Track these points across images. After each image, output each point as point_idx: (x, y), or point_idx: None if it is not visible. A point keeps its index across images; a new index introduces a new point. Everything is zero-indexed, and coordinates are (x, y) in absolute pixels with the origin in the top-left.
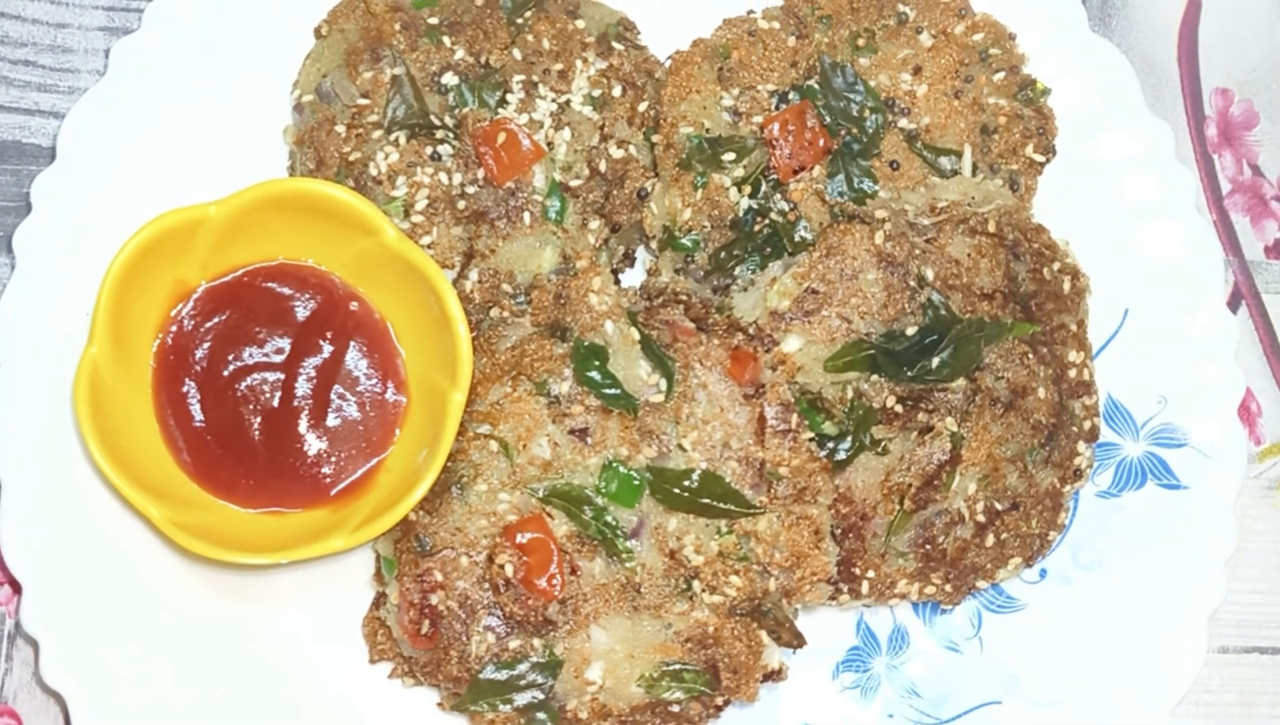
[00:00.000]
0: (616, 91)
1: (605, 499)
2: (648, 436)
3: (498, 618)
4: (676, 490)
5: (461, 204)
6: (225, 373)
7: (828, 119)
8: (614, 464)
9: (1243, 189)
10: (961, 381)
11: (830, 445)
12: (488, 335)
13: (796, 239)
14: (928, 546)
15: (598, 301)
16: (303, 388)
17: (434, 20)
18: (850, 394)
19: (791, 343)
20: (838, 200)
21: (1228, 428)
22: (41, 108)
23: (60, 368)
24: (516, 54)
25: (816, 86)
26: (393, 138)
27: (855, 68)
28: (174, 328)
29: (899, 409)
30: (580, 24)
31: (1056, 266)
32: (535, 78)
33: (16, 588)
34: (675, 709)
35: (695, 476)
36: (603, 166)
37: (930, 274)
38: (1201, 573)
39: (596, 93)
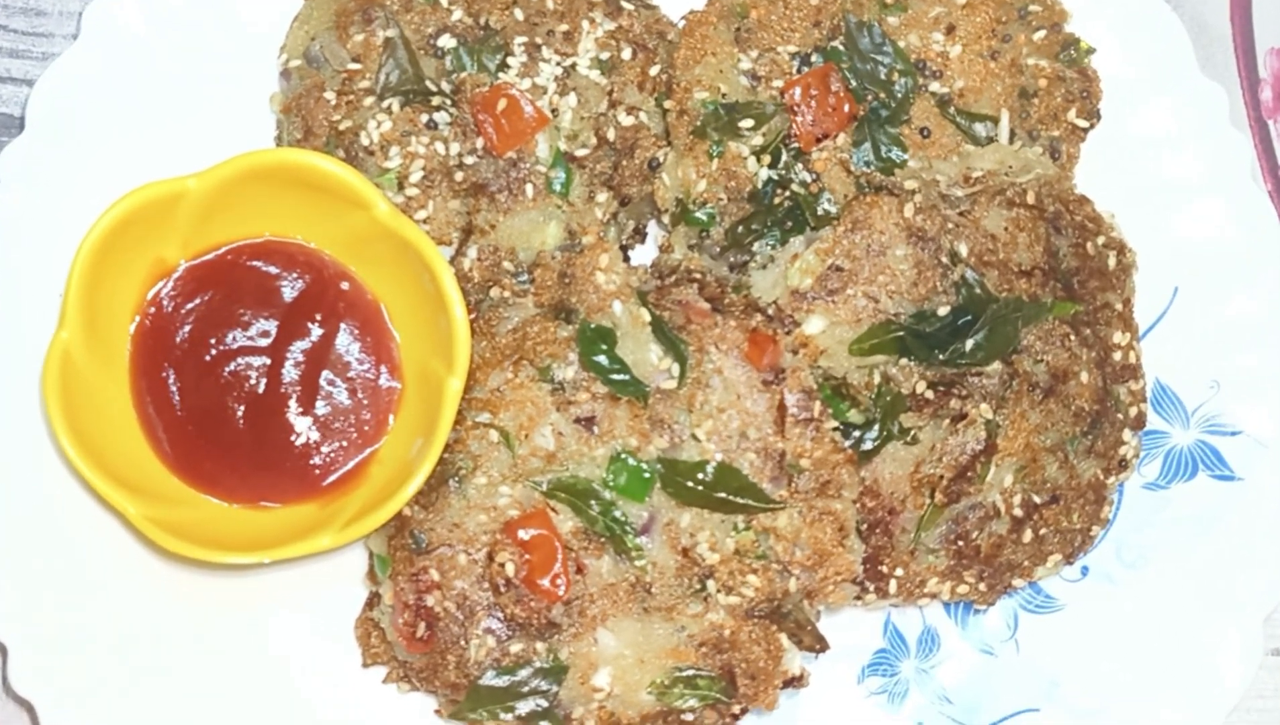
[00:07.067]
0: (626, 54)
1: (613, 493)
2: (659, 426)
3: (498, 620)
4: (690, 484)
5: (459, 176)
6: (208, 357)
7: (853, 83)
8: (623, 455)
9: None
10: (997, 365)
11: (856, 434)
12: (487, 317)
13: (819, 212)
14: (960, 543)
15: (605, 280)
16: (290, 373)
17: None
18: (877, 379)
19: (814, 324)
20: (864, 170)
21: None
22: (12, 75)
23: (29, 353)
24: (518, 14)
25: (841, 48)
26: (386, 105)
27: (883, 27)
28: (153, 309)
29: (930, 395)
30: None
31: (1101, 241)
32: (538, 40)
33: None
34: (689, 718)
35: (710, 469)
36: (611, 135)
37: (964, 249)
38: (1256, 571)
39: (604, 56)
